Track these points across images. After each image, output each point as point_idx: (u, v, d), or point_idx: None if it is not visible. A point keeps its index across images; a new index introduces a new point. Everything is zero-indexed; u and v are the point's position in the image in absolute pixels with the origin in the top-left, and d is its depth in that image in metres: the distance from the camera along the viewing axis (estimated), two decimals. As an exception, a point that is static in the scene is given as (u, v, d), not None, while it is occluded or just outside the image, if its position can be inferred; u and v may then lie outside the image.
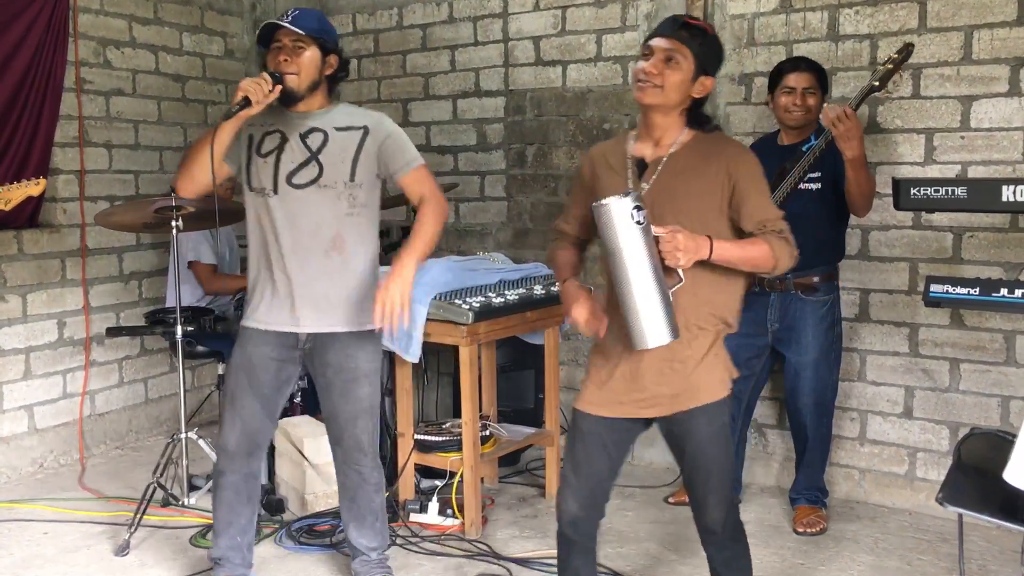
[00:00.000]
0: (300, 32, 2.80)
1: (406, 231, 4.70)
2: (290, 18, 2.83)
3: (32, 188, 3.03)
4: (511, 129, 4.87)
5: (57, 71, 4.48)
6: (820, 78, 3.60)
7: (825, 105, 3.47)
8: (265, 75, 2.74)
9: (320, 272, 2.86)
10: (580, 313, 2.40)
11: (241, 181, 2.95)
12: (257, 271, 2.94)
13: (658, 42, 2.36)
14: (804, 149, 3.51)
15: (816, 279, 3.59)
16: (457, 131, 5.06)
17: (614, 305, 2.28)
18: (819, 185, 3.54)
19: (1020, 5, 3.54)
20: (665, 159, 2.38)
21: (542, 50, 4.72)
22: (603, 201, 2.15)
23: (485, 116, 4.94)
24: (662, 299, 2.17)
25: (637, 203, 2.13)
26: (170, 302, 4.59)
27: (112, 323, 4.84)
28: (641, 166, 2.42)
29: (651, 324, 2.17)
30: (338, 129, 2.86)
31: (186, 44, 5.21)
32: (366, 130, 2.87)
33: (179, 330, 3.72)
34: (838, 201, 3.52)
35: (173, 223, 3.64)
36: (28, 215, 4.47)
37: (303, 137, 2.85)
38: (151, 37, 5.01)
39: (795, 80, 3.58)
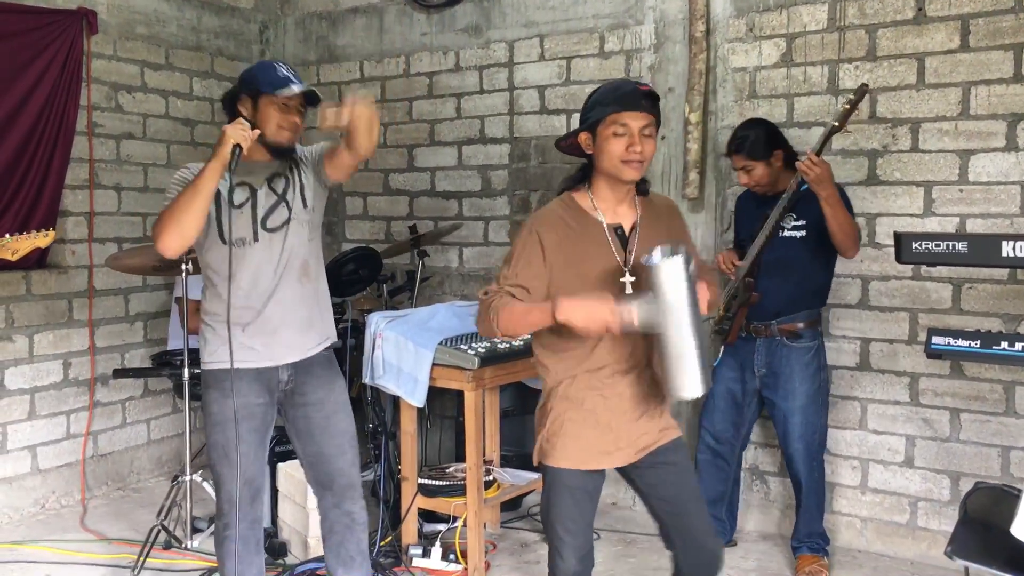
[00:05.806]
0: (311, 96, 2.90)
1: (411, 275, 4.77)
2: (298, 81, 2.89)
3: (40, 240, 2.95)
4: (515, 175, 4.94)
5: (69, 116, 4.53)
6: (757, 148, 3.60)
7: (798, 162, 3.47)
8: (242, 120, 2.77)
9: (299, 300, 2.93)
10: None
11: (206, 235, 2.86)
12: (236, 315, 2.84)
13: (636, 118, 2.36)
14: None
15: (801, 325, 3.64)
16: (462, 177, 5.12)
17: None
18: (803, 232, 3.60)
19: (1016, 62, 3.62)
20: (639, 223, 2.47)
21: (547, 99, 4.81)
22: (658, 261, 2.19)
23: (490, 162, 5.01)
24: (706, 351, 2.27)
25: (689, 259, 2.19)
26: (171, 344, 4.62)
27: (117, 364, 4.87)
28: (619, 233, 2.46)
29: (701, 374, 2.25)
30: (291, 170, 2.96)
31: (196, 89, 5.29)
32: (295, 159, 2.97)
33: (186, 372, 3.75)
34: (823, 248, 3.58)
35: (183, 266, 3.68)
36: (36, 258, 4.50)
37: (269, 182, 2.92)
38: (162, 82, 5.10)
39: (735, 162, 3.70)
